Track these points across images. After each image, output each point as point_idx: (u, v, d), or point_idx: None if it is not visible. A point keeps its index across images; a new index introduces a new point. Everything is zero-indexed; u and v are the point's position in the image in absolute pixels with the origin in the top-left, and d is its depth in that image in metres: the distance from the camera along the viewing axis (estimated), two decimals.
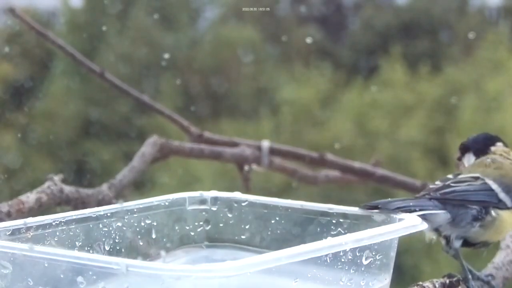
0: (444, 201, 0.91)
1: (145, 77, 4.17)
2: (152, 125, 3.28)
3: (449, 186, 0.93)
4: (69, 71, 3.46)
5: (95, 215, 0.90)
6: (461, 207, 0.92)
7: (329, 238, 0.86)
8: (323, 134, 4.35)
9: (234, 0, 5.23)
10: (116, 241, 0.92)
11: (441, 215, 0.91)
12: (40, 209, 1.06)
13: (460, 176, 0.95)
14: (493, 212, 0.92)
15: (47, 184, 1.10)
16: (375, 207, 0.87)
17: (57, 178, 1.11)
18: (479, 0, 5.36)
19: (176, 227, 0.98)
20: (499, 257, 0.98)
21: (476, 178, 0.94)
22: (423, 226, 0.85)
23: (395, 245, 0.84)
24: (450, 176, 0.96)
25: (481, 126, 4.34)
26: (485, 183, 0.93)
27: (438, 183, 0.94)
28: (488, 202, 0.92)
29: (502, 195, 0.93)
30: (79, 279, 0.71)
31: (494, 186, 0.93)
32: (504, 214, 0.93)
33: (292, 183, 1.88)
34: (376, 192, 3.34)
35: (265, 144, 1.50)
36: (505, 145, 1.01)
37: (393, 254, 0.84)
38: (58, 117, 3.82)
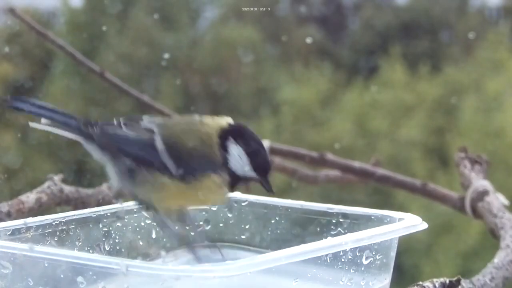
0: (101, 139, 0.83)
1: (145, 77, 4.17)
2: None
3: (116, 126, 0.84)
4: (69, 71, 3.46)
5: (95, 215, 0.90)
6: (116, 154, 0.83)
7: (329, 238, 0.86)
8: (323, 134, 4.35)
9: (234, 0, 5.23)
10: (116, 241, 0.92)
11: (91, 146, 0.84)
12: (40, 209, 1.06)
13: (143, 122, 0.84)
14: (148, 172, 0.81)
15: (47, 184, 1.10)
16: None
17: (57, 178, 1.11)
18: (479, 0, 5.36)
19: (176, 227, 0.98)
20: (499, 257, 0.98)
21: (149, 131, 0.83)
22: (423, 226, 0.85)
23: (395, 245, 0.84)
24: (146, 116, 0.86)
25: (481, 126, 4.34)
26: (152, 139, 0.82)
27: (126, 119, 0.85)
28: (144, 160, 0.81)
29: (166, 158, 0.81)
30: (79, 279, 0.71)
31: (160, 146, 0.82)
32: (167, 180, 0.81)
33: (292, 183, 1.88)
34: (376, 192, 3.35)
35: (265, 144, 1.50)
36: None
37: (393, 254, 0.84)
38: None
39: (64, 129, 0.84)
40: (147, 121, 0.84)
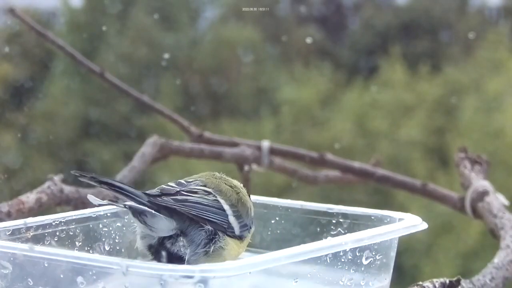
0: (170, 209, 0.78)
1: (145, 77, 4.17)
2: (152, 125, 3.28)
3: (180, 193, 0.80)
4: (69, 71, 3.46)
5: (95, 215, 0.90)
6: (192, 222, 0.79)
7: (329, 238, 0.86)
8: (323, 134, 4.35)
9: (234, 0, 5.23)
10: (116, 241, 0.92)
11: (163, 220, 0.78)
12: (40, 209, 1.06)
13: (192, 186, 0.82)
14: (222, 239, 0.80)
15: (47, 184, 1.10)
16: (91, 178, 0.76)
17: (57, 178, 1.11)
18: (479, 0, 5.36)
19: None
20: (499, 257, 0.98)
21: (208, 193, 0.82)
22: (423, 226, 0.85)
23: (395, 245, 0.85)
24: (183, 181, 0.84)
25: (481, 126, 4.34)
26: (217, 201, 0.82)
27: (173, 185, 0.82)
28: (218, 224, 0.80)
29: (232, 219, 0.82)
30: (79, 279, 0.71)
31: (226, 207, 0.82)
32: (232, 242, 0.81)
33: (292, 183, 1.89)
34: (376, 192, 3.35)
35: (265, 144, 1.50)
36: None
37: (393, 254, 0.84)
38: (58, 117, 3.82)
39: (135, 203, 0.78)
40: (192, 183, 0.83)
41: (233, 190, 0.84)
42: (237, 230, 0.81)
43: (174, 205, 0.78)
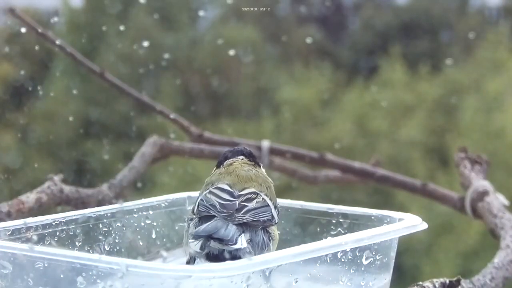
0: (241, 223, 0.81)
1: (145, 77, 4.17)
2: (152, 125, 3.28)
3: (243, 206, 0.83)
4: (69, 71, 3.45)
5: (95, 215, 0.90)
6: (251, 227, 0.82)
7: (329, 238, 0.86)
8: (323, 134, 4.35)
9: (234, 0, 5.23)
10: (116, 241, 0.92)
11: (242, 237, 0.80)
12: (40, 209, 1.06)
13: (243, 192, 0.85)
14: (271, 231, 0.84)
15: (47, 184, 1.10)
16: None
17: (57, 178, 1.12)
18: (479, 0, 5.36)
19: (176, 227, 0.98)
20: (499, 257, 0.98)
21: (256, 194, 0.85)
22: (423, 226, 0.85)
23: (395, 245, 0.85)
24: (224, 186, 0.86)
25: (481, 126, 4.34)
26: (264, 200, 0.85)
27: (228, 197, 0.84)
28: (270, 221, 0.84)
29: (274, 212, 0.85)
30: (79, 279, 0.71)
31: (269, 202, 0.85)
32: (275, 229, 0.86)
33: (292, 183, 1.88)
34: (376, 192, 3.35)
35: (265, 144, 1.50)
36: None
37: (393, 254, 0.84)
38: (58, 117, 3.82)
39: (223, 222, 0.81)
40: (238, 188, 0.86)
41: (260, 179, 0.88)
42: (276, 218, 0.86)
43: (249, 219, 0.82)
